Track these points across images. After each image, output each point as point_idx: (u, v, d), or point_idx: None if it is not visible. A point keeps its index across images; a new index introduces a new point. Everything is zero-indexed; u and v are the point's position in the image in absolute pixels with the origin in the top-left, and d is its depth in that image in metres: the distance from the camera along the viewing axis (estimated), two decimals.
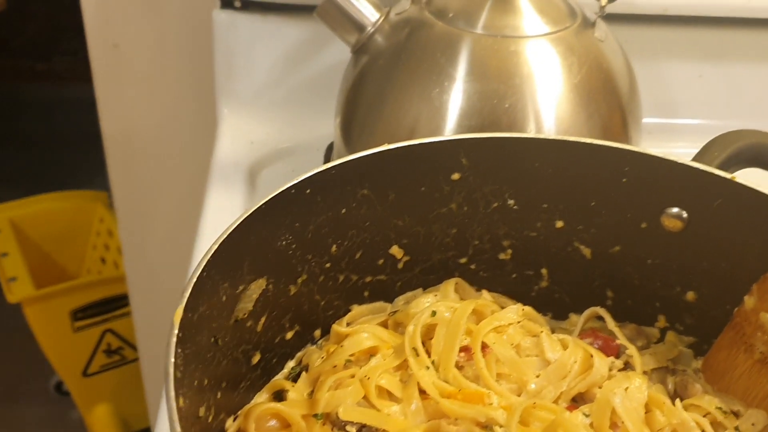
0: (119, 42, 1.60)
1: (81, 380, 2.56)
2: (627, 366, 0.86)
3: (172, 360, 0.58)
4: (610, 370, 0.84)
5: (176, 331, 0.61)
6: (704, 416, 0.80)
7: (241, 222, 0.72)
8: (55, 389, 2.93)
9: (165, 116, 1.64)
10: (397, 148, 0.83)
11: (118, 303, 2.47)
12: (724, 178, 0.81)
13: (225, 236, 0.70)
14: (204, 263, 0.67)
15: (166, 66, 1.58)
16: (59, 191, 2.68)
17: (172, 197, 1.77)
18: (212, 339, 0.71)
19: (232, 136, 1.37)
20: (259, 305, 0.78)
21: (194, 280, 0.65)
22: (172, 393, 0.56)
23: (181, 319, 0.62)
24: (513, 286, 0.96)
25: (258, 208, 0.73)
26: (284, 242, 0.79)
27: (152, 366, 2.23)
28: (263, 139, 1.35)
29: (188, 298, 0.63)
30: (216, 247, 0.68)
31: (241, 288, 0.75)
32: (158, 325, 1.93)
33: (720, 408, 0.81)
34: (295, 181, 0.77)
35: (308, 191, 0.78)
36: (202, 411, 0.71)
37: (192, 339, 0.66)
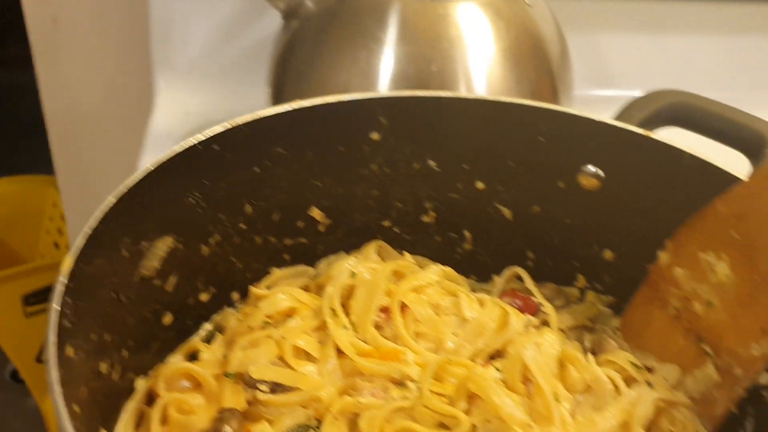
0: (58, 16, 1.57)
1: (35, 367, 2.52)
2: (544, 325, 0.86)
3: (58, 308, 0.57)
4: (527, 327, 0.84)
5: (63, 279, 0.59)
6: (618, 372, 0.80)
7: (143, 177, 0.70)
8: (10, 377, 2.89)
9: (105, 92, 1.62)
10: (312, 106, 0.82)
11: None
12: (639, 135, 0.81)
13: (125, 190, 0.68)
14: (101, 216, 0.65)
15: (104, 40, 1.56)
16: (10, 176, 2.63)
17: (115, 176, 1.74)
18: (113, 294, 0.70)
19: (168, 108, 1.35)
20: (167, 264, 0.77)
21: (89, 231, 0.64)
22: (54, 339, 0.55)
23: (72, 270, 0.61)
24: (437, 249, 0.95)
25: (161, 163, 0.72)
26: (192, 200, 0.78)
27: None
28: (199, 110, 1.34)
29: (81, 249, 0.62)
30: (114, 200, 0.67)
31: (145, 245, 0.73)
32: None
33: (633, 363, 0.81)
34: (202, 138, 0.75)
35: (216, 148, 0.77)
36: (103, 367, 0.70)
37: (88, 292, 0.64)
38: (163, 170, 0.72)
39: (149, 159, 1.25)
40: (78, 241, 0.63)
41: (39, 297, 2.44)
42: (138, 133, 1.44)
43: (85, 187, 1.84)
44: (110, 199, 0.67)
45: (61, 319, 0.58)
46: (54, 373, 0.53)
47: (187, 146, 0.74)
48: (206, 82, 1.37)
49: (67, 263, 0.60)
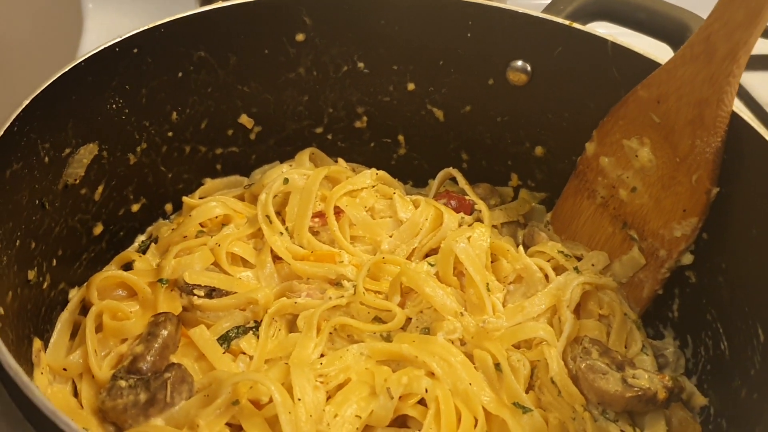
0: None
1: None
2: (475, 223, 0.87)
3: None
4: (460, 225, 0.85)
5: None
6: (548, 261, 0.82)
7: (58, 78, 0.68)
8: None
9: (30, 20, 1.56)
10: (232, 5, 0.80)
11: None
12: (563, 25, 0.81)
13: (39, 92, 0.67)
14: (13, 117, 0.64)
15: None
16: None
17: None
18: (36, 201, 0.69)
19: (98, 31, 1.31)
20: (93, 172, 0.76)
21: (1, 133, 0.62)
22: None
23: None
24: (372, 156, 0.95)
25: (76, 65, 0.70)
26: (114, 105, 0.76)
27: None
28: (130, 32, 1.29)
29: None
30: (28, 102, 0.65)
31: (67, 151, 0.72)
32: None
33: (562, 252, 0.83)
34: (118, 39, 0.73)
35: (135, 51, 0.75)
36: (31, 275, 0.69)
37: (6, 195, 0.63)
38: (80, 73, 0.70)
39: None
40: None
41: None
42: (67, 59, 1.39)
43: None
44: (24, 101, 0.65)
45: None
46: None
47: (103, 47, 0.72)
48: (136, 2, 1.33)
49: None
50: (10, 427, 0.45)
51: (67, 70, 0.69)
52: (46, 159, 0.69)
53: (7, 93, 1.69)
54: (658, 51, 0.81)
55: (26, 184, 0.67)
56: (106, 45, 0.72)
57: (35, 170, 0.68)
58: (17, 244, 0.65)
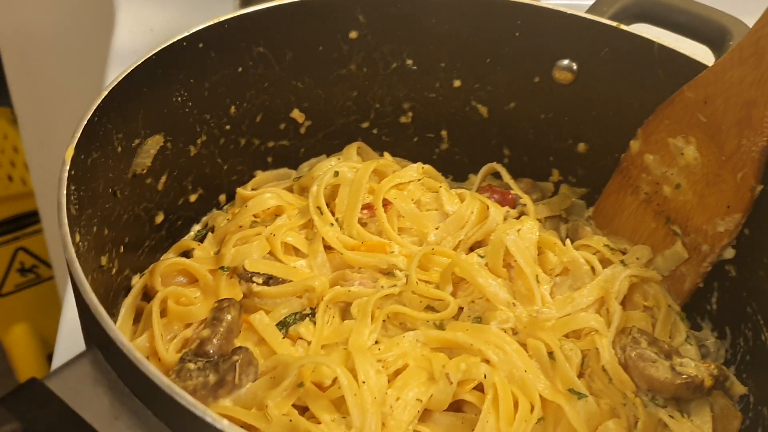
0: None
1: None
2: (522, 216, 0.90)
3: (64, 192, 0.58)
4: (505, 219, 0.88)
5: (68, 167, 0.60)
6: (594, 254, 0.85)
7: (132, 71, 0.71)
8: None
9: (62, 13, 1.57)
10: (292, 3, 0.83)
11: (29, 220, 2.40)
12: (611, 27, 0.84)
13: (115, 83, 0.69)
14: (94, 107, 0.66)
15: None
16: None
17: (73, 102, 1.71)
18: (110, 189, 0.71)
19: (131, 24, 1.33)
20: (158, 163, 0.78)
21: (84, 122, 0.64)
22: (65, 220, 0.56)
23: (73, 158, 0.62)
24: (415, 150, 0.98)
25: (149, 58, 0.72)
26: (179, 98, 0.78)
27: (68, 282, 2.19)
28: (163, 25, 1.32)
29: (79, 138, 0.63)
30: (106, 93, 0.68)
31: (137, 141, 0.74)
32: None
33: (608, 245, 0.85)
34: (186, 34, 0.76)
35: (201, 45, 0.78)
36: (104, 260, 0.71)
37: (87, 183, 0.66)
38: (152, 65, 0.73)
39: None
40: (76, 131, 0.63)
41: None
42: (99, 53, 1.41)
43: (44, 116, 1.80)
44: (103, 92, 0.67)
45: (68, 204, 0.59)
46: (71, 250, 0.54)
47: (172, 41, 0.74)
48: None
49: (70, 152, 0.61)
50: (120, 402, 0.48)
51: (140, 62, 0.72)
52: (119, 149, 0.72)
53: (43, 84, 1.71)
54: (700, 53, 0.84)
55: (102, 172, 0.69)
56: (175, 39, 0.75)
57: (110, 159, 0.70)
58: (94, 230, 0.68)
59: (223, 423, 0.45)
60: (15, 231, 2.41)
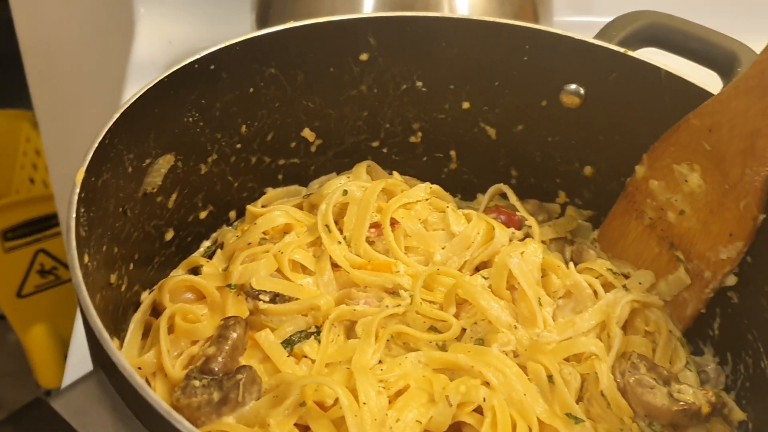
0: None
1: (15, 302, 2.54)
2: (527, 237, 0.91)
3: (74, 215, 0.60)
4: (511, 240, 0.89)
5: (78, 190, 0.62)
6: (596, 278, 0.85)
7: (143, 93, 0.72)
8: None
9: (83, 22, 1.61)
10: (303, 25, 0.84)
11: (49, 222, 2.44)
12: (618, 52, 0.85)
13: (127, 106, 0.71)
14: (106, 130, 0.68)
15: None
16: None
17: (92, 109, 1.74)
18: (120, 209, 0.73)
19: (150, 36, 1.35)
20: (168, 181, 0.80)
21: (95, 144, 0.66)
22: (74, 243, 0.58)
23: (83, 180, 0.64)
24: (424, 169, 0.99)
25: (160, 80, 0.74)
26: (191, 119, 0.80)
27: None
28: (181, 37, 1.34)
29: (90, 161, 0.65)
30: (118, 115, 0.70)
31: (148, 161, 0.76)
32: None
33: (611, 269, 0.86)
34: (198, 56, 0.77)
35: (212, 67, 0.79)
36: (113, 278, 0.73)
37: (98, 204, 0.67)
38: (163, 87, 0.74)
39: (134, 89, 1.27)
40: (87, 154, 0.65)
41: (18, 232, 2.45)
42: (118, 63, 1.43)
43: (65, 121, 1.83)
44: (114, 115, 0.69)
45: (78, 227, 0.61)
46: (78, 274, 0.56)
47: (184, 63, 0.76)
48: (188, 9, 1.38)
49: (80, 174, 0.63)
50: (122, 424, 0.49)
51: (153, 84, 0.73)
52: (130, 169, 0.73)
53: (64, 90, 1.75)
54: (707, 78, 0.85)
55: (113, 192, 0.71)
56: (187, 62, 0.77)
57: (120, 179, 0.72)
58: (104, 249, 0.70)
59: None
60: (36, 233, 2.45)
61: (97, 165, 0.66)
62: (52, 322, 2.60)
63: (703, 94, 0.80)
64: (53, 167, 2.02)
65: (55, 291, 2.58)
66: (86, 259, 0.62)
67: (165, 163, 0.78)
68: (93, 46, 1.62)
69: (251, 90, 0.84)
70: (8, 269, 2.48)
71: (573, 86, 0.89)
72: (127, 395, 0.51)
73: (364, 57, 0.89)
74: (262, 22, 1.17)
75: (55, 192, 2.09)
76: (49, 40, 1.68)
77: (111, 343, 0.51)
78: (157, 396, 0.48)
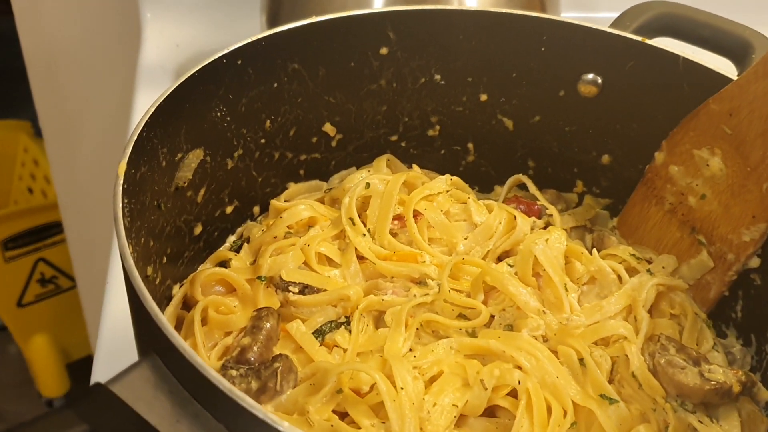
0: None
1: (16, 311, 2.53)
2: (548, 226, 0.92)
3: (120, 205, 0.61)
4: (532, 229, 0.90)
5: (121, 181, 0.63)
6: (620, 263, 0.87)
7: (176, 88, 0.73)
8: None
9: (88, 30, 1.61)
10: (325, 20, 0.85)
11: (49, 232, 2.43)
12: (635, 41, 0.86)
13: (161, 100, 0.71)
14: (143, 123, 0.69)
15: None
16: None
17: (98, 117, 1.74)
18: (155, 202, 0.74)
19: (157, 41, 1.36)
20: (198, 176, 0.81)
21: (135, 137, 0.67)
22: (122, 232, 0.59)
23: (125, 172, 0.64)
24: (442, 162, 1.00)
25: (191, 75, 0.75)
26: (219, 114, 0.81)
27: (90, 292, 2.21)
28: (189, 41, 1.35)
29: (130, 153, 0.65)
30: (153, 109, 0.70)
31: (179, 155, 0.77)
32: (93, 250, 1.91)
33: (634, 255, 0.87)
34: (226, 51, 0.78)
35: (239, 62, 0.80)
36: (149, 270, 0.74)
37: (136, 196, 0.68)
38: (194, 82, 0.75)
39: (144, 93, 1.28)
40: (127, 147, 0.66)
41: (18, 242, 2.44)
42: (125, 69, 1.44)
43: (69, 129, 1.83)
44: (150, 108, 0.70)
45: (123, 218, 0.61)
46: (130, 260, 0.57)
47: (214, 58, 0.77)
48: (194, 12, 1.38)
49: (123, 166, 0.64)
50: (180, 406, 0.50)
51: (184, 79, 0.74)
52: (164, 163, 0.74)
53: (68, 98, 1.75)
54: (723, 67, 0.86)
55: (149, 186, 0.72)
56: (216, 56, 0.77)
57: (155, 173, 0.73)
58: (142, 242, 0.70)
59: (284, 425, 0.47)
60: (36, 242, 2.44)
61: (136, 158, 0.67)
62: (53, 331, 2.60)
63: (721, 80, 0.81)
64: (57, 177, 2.01)
65: (55, 300, 2.58)
66: (130, 249, 0.63)
67: (195, 157, 0.79)
68: (99, 53, 1.63)
69: (275, 85, 0.85)
70: (9, 279, 2.47)
71: (590, 76, 0.90)
72: (185, 377, 0.51)
73: (383, 51, 0.90)
74: (272, 23, 1.18)
75: (59, 201, 2.08)
76: (53, 50, 1.69)
77: (169, 326, 0.51)
78: (219, 375, 0.49)
